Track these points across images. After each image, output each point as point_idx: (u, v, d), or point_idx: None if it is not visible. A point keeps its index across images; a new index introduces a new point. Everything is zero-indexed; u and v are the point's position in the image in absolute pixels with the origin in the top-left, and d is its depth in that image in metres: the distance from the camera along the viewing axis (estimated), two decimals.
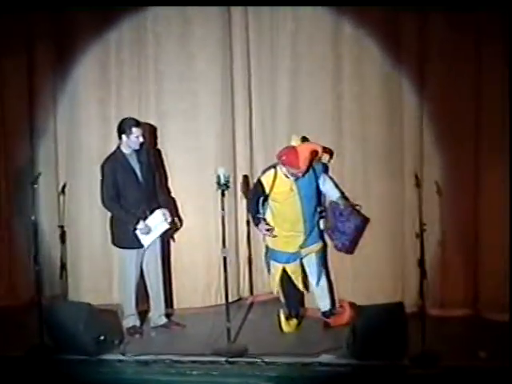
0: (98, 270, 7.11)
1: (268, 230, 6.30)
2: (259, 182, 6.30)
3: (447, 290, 6.61)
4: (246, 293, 7.19)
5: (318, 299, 6.56)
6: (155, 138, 6.87)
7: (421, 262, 5.79)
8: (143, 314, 6.63)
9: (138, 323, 6.51)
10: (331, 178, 6.52)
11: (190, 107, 6.87)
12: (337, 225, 6.37)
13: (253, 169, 7.11)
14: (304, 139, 6.43)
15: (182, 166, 6.90)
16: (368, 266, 6.68)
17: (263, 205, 6.35)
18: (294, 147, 6.16)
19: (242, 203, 6.99)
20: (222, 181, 6.00)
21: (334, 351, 5.89)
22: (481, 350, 5.74)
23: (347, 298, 6.64)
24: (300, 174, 6.16)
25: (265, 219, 6.32)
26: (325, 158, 6.52)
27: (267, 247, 6.48)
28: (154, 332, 6.50)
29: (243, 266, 7.13)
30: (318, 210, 6.42)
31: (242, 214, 7.03)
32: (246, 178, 7.03)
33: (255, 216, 6.33)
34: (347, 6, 6.42)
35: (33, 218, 6.11)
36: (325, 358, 5.83)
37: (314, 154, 6.23)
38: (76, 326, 5.90)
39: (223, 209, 6.04)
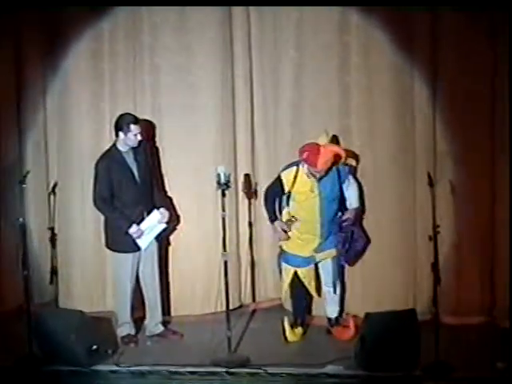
0: (90, 275, 7.07)
1: (285, 232, 6.24)
2: (279, 178, 6.21)
3: (462, 297, 6.56)
4: (247, 299, 7.16)
5: (327, 305, 6.53)
6: (153, 135, 6.84)
7: (434, 267, 5.74)
8: (139, 322, 6.57)
9: (133, 332, 6.46)
10: (359, 185, 6.43)
11: (188, 102, 6.82)
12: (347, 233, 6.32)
13: (255, 167, 7.08)
14: (334, 138, 6.35)
15: (180, 165, 6.85)
16: (378, 270, 6.63)
17: (287, 203, 6.29)
18: (318, 146, 6.04)
19: (244, 204, 6.98)
20: (223, 180, 5.97)
21: (341, 361, 5.84)
22: (498, 361, 5.68)
23: (356, 305, 6.61)
24: (318, 175, 6.08)
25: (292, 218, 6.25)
26: (351, 162, 6.48)
27: (281, 249, 6.43)
28: (150, 341, 6.47)
29: (245, 271, 7.06)
30: (339, 214, 6.31)
31: (244, 215, 7.02)
32: (247, 176, 6.98)
33: (272, 214, 6.27)
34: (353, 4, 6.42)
35: (21, 219, 6.06)
36: (332, 368, 5.79)
37: (337, 158, 6.13)
38: (67, 335, 5.86)
39: (224, 210, 6.01)
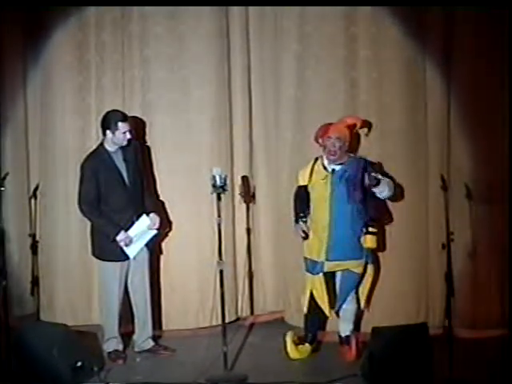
0: (75, 286, 7.06)
1: (304, 234, 6.24)
2: (297, 176, 6.37)
3: (478, 309, 6.57)
4: (245, 312, 7.17)
5: (340, 321, 6.44)
6: (143, 133, 6.83)
7: (448, 277, 5.72)
8: (127, 337, 6.56)
9: (120, 347, 6.44)
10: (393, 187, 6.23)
11: (180, 97, 6.83)
12: None
13: (253, 169, 7.11)
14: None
15: (172, 166, 6.85)
16: (387, 281, 6.60)
17: (308, 202, 6.33)
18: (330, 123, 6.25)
19: (241, 208, 7.02)
20: (218, 183, 5.97)
21: (348, 380, 5.81)
22: None
23: (363, 319, 6.60)
24: (333, 151, 6.09)
25: (305, 221, 6.29)
26: (363, 130, 6.47)
27: None
28: (140, 357, 6.46)
29: (242, 282, 7.08)
30: (361, 219, 6.18)
31: (241, 220, 7.05)
32: (245, 179, 7.02)
33: (295, 214, 6.34)
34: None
35: None
36: None
37: (352, 126, 6.25)
38: (49, 351, 5.84)
39: (219, 215, 6.01)
